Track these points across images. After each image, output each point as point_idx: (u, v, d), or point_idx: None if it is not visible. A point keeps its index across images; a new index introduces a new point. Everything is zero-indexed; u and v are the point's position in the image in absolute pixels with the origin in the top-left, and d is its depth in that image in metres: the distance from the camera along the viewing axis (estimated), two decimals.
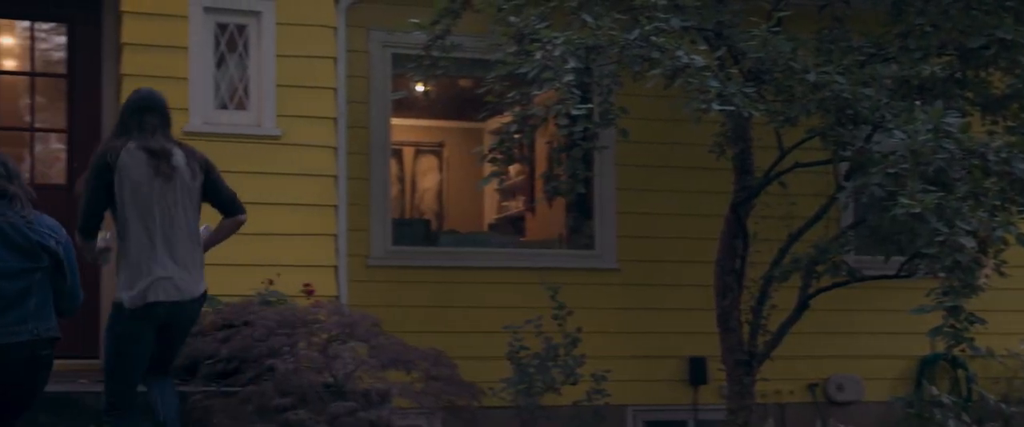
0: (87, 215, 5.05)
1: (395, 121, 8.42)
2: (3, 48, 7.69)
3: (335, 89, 7.41)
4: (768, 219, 7.43)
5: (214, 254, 6.84)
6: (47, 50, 7.84)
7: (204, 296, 5.18)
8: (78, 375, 6.37)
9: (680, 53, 5.66)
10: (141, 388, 5.12)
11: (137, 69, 6.80)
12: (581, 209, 8.69)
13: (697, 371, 8.54)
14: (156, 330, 5.06)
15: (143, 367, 5.08)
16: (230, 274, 6.80)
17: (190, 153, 5.23)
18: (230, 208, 5.42)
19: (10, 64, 7.75)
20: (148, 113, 5.15)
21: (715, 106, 5.62)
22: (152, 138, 5.10)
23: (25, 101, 7.74)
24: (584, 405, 7.34)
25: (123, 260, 5.04)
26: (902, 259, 6.74)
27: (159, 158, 5.06)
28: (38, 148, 7.84)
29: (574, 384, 7.11)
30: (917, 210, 5.19)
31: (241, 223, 5.48)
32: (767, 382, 7.41)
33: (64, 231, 4.67)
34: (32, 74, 7.64)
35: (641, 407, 8.51)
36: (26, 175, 7.02)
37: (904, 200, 5.24)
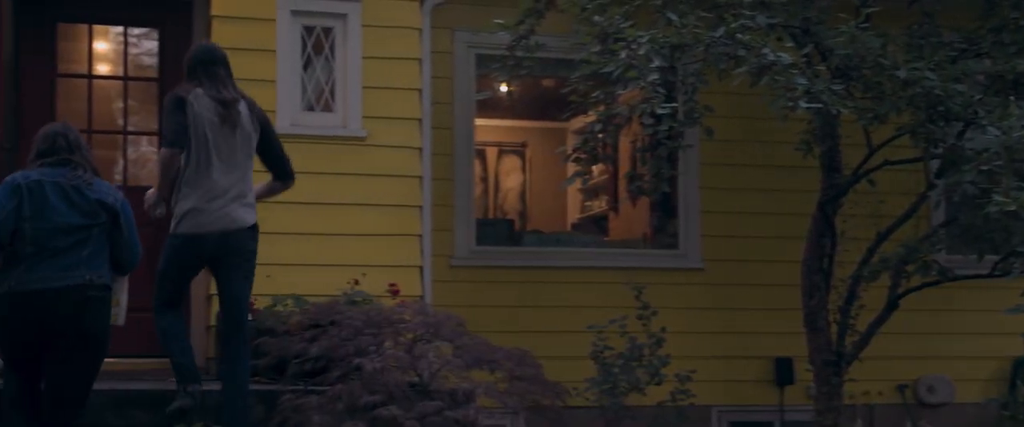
0: (174, 132, 5.40)
1: (478, 121, 8.46)
2: (97, 53, 7.85)
3: (420, 90, 7.45)
4: (856, 217, 7.33)
5: (300, 254, 6.99)
6: (138, 54, 8.00)
7: (255, 227, 5.58)
8: (145, 374, 6.50)
9: (766, 51, 5.60)
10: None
11: None
12: (665, 208, 8.65)
13: (783, 371, 8.45)
14: (204, 259, 5.52)
15: (188, 281, 5.67)
16: (317, 274, 6.91)
17: (251, 105, 5.64)
18: (279, 169, 5.82)
19: (104, 68, 7.91)
20: (215, 64, 5.56)
21: (802, 104, 5.55)
22: (223, 88, 5.52)
23: (118, 104, 7.91)
24: (668, 405, 7.30)
25: (180, 192, 5.45)
26: (996, 258, 6.59)
27: (227, 107, 5.48)
28: (130, 151, 8.01)
29: (659, 384, 7.07)
30: (1012, 208, 5.09)
31: (288, 188, 5.90)
32: (855, 383, 7.29)
33: (121, 194, 5.16)
34: (125, 78, 7.80)
35: (726, 408, 8.44)
36: (119, 177, 7.19)
37: (998, 198, 5.13)
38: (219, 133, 5.46)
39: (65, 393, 4.98)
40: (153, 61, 7.86)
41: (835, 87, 5.80)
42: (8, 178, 5.04)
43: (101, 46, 7.93)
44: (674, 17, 5.90)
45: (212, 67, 5.56)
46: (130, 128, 7.94)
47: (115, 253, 5.08)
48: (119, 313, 5.33)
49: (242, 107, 5.56)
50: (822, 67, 6.20)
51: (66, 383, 4.98)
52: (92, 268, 4.94)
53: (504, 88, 7.79)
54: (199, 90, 5.47)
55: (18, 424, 5.05)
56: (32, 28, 7.37)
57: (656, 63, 5.70)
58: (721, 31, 5.73)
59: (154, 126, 7.71)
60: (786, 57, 5.64)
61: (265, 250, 6.87)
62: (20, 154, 6.98)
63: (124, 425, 5.64)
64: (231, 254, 5.50)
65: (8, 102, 6.74)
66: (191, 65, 5.58)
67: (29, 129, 7.14)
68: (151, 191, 5.56)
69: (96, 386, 5.38)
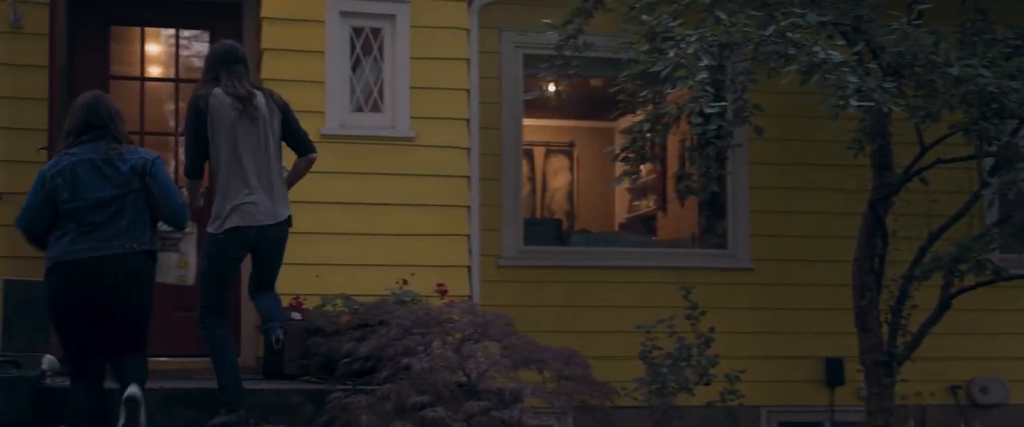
0: (190, 157, 5.69)
1: (526, 121, 8.46)
2: (149, 55, 7.93)
3: (468, 90, 7.47)
4: (908, 216, 7.26)
5: (349, 255, 7.03)
6: (189, 57, 8.07)
7: (289, 220, 5.78)
8: (193, 373, 6.57)
9: (817, 49, 5.56)
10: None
11: (276, 73, 6.96)
12: (713, 208, 8.61)
13: (834, 372, 8.39)
14: (247, 251, 5.71)
15: (231, 281, 5.80)
16: (365, 274, 6.94)
17: (269, 94, 5.84)
18: (302, 147, 6.00)
19: (155, 70, 7.99)
20: (234, 62, 5.76)
21: (853, 102, 5.50)
22: (238, 84, 5.70)
23: (169, 106, 7.98)
24: (717, 406, 7.26)
25: (216, 192, 5.65)
26: None
27: (244, 102, 5.67)
28: (181, 152, 8.07)
29: (708, 384, 7.03)
30: None
31: (313, 161, 6.07)
32: (907, 383, 7.23)
33: (151, 154, 5.31)
34: (176, 80, 7.87)
35: (776, 408, 8.40)
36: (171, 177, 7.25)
37: None
38: (241, 128, 5.65)
39: (123, 340, 5.20)
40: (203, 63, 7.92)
41: (887, 85, 5.74)
42: (41, 169, 5.23)
43: (153, 48, 8.01)
44: (723, 16, 5.87)
45: (233, 65, 5.76)
46: (181, 130, 8.00)
47: (155, 213, 5.23)
48: (188, 274, 5.59)
49: (259, 100, 5.74)
50: (873, 65, 6.14)
51: (121, 335, 5.19)
52: (132, 237, 5.11)
53: (552, 88, 7.78)
54: (218, 89, 5.66)
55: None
56: (86, 31, 7.47)
57: (705, 62, 5.67)
58: (771, 29, 5.70)
59: None
60: (837, 55, 5.59)
61: (314, 250, 6.97)
62: None
63: (172, 424, 5.69)
64: (269, 248, 5.76)
65: (62, 104, 6.83)
66: (209, 64, 5.79)
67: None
68: (184, 192, 5.72)
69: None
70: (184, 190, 5.70)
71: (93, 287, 5.04)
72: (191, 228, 5.64)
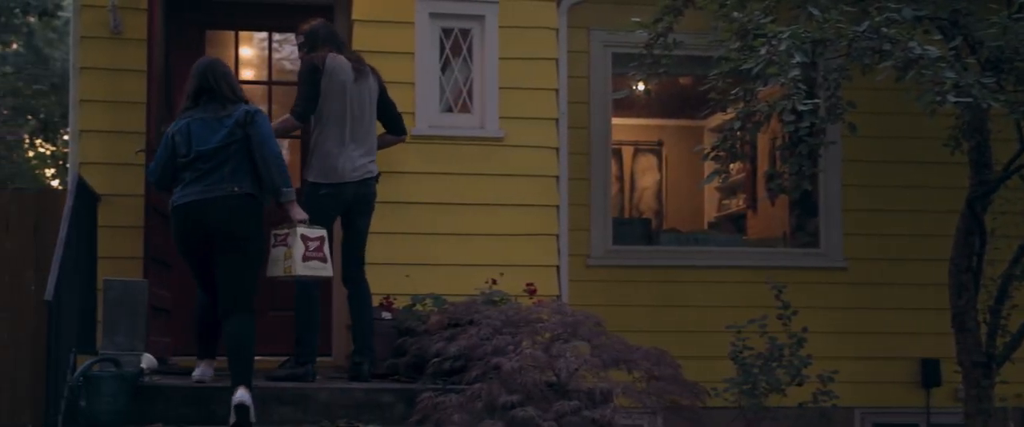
0: (305, 103, 6.31)
1: (614, 120, 8.43)
2: (243, 58, 8.07)
3: (556, 90, 7.47)
4: (1007, 214, 7.12)
5: (439, 254, 7.08)
6: (281, 59, 8.18)
7: (377, 177, 6.49)
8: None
9: (913, 44, 5.46)
10: None
11: None
12: (805, 206, 8.51)
13: (930, 373, 8.24)
14: (344, 207, 6.34)
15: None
16: (455, 274, 6.98)
17: (372, 68, 6.55)
18: (395, 126, 6.74)
19: (249, 73, 8.12)
20: (335, 35, 6.51)
21: (951, 98, 5.40)
22: (346, 50, 6.51)
23: (263, 108, 8.07)
24: (810, 406, 7.18)
25: (319, 147, 6.32)
26: None
27: (360, 64, 6.44)
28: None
29: (800, 385, 6.96)
30: None
31: (402, 142, 6.82)
32: (1006, 385, 7.06)
33: (253, 107, 5.84)
34: (269, 83, 7.99)
35: (870, 409, 8.27)
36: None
37: None
38: (354, 89, 6.34)
39: (229, 284, 5.71)
40: (296, 66, 8.02)
41: (985, 81, 5.63)
42: (166, 131, 5.93)
43: (246, 52, 8.14)
44: (816, 12, 5.80)
45: (337, 38, 6.50)
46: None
47: (254, 156, 5.72)
48: (293, 264, 5.84)
49: (367, 67, 6.48)
50: (972, 60, 6.03)
51: (227, 276, 5.70)
52: (234, 181, 5.68)
53: (640, 87, 7.74)
54: (334, 53, 6.34)
55: (203, 317, 5.99)
56: (182, 35, 7.61)
57: (797, 59, 5.61)
58: (865, 25, 5.61)
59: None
60: (934, 50, 5.49)
61: (404, 250, 7.03)
62: None
63: (267, 421, 5.78)
64: (363, 202, 6.42)
65: (160, 108, 6.98)
66: (315, 36, 6.42)
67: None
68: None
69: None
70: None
71: (203, 223, 5.67)
72: (301, 225, 5.86)
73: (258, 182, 5.75)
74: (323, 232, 5.95)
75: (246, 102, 5.88)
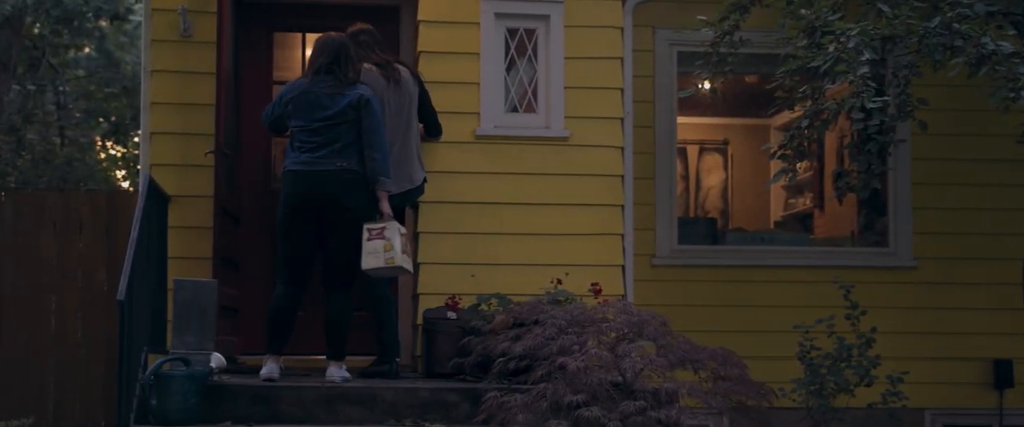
0: None
1: (679, 119, 8.39)
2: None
3: (621, 89, 7.45)
4: None
5: (504, 254, 7.09)
6: None
7: (422, 185, 6.74)
8: (353, 371, 6.65)
9: (986, 40, 5.38)
10: None
11: (432, 75, 7.06)
12: (874, 205, 8.40)
13: (1003, 374, 8.10)
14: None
15: None
16: (520, 273, 6.98)
17: (409, 67, 6.77)
18: (431, 126, 6.90)
19: None
20: (365, 42, 6.64)
21: None
22: (377, 55, 6.64)
23: None
24: (879, 407, 7.09)
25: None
26: None
27: (387, 69, 6.59)
28: None
29: (869, 386, 6.87)
30: None
31: (435, 141, 6.96)
32: None
33: (367, 91, 6.24)
34: None
35: (940, 410, 8.14)
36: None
37: None
38: (387, 95, 6.50)
39: (335, 259, 6.18)
40: None
41: None
42: (284, 88, 6.40)
43: None
44: (886, 8, 5.74)
45: (358, 37, 6.63)
46: None
47: (364, 137, 6.14)
48: (394, 255, 6.08)
49: (401, 70, 6.62)
50: None
51: (333, 251, 6.17)
52: (343, 157, 6.12)
53: (706, 85, 7.70)
54: (364, 64, 6.52)
55: (280, 311, 6.21)
56: (251, 38, 7.70)
57: (866, 56, 5.56)
58: (936, 21, 5.55)
59: None
60: (1007, 46, 5.41)
61: (469, 250, 7.06)
62: (240, 156, 7.32)
63: (334, 420, 5.83)
64: (401, 211, 6.54)
65: (229, 109, 7.07)
66: (351, 44, 6.49)
67: (247, 135, 7.49)
68: None
69: (305, 383, 5.96)
70: None
71: (314, 191, 6.09)
72: (390, 221, 6.16)
73: (363, 163, 6.14)
74: (404, 229, 6.28)
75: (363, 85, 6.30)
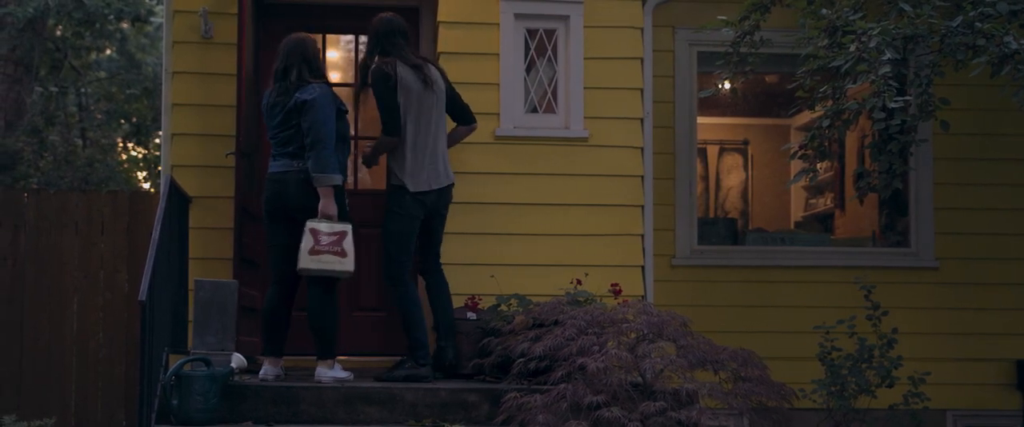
0: (391, 116, 6.42)
1: (699, 119, 8.37)
2: (329, 61, 8.11)
3: (641, 89, 7.43)
4: None
5: (523, 255, 7.10)
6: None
7: (452, 185, 6.64)
8: (373, 372, 6.68)
9: (1008, 39, 5.35)
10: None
11: (452, 76, 7.04)
12: (895, 205, 8.37)
13: None
14: (426, 213, 6.48)
15: (414, 240, 6.48)
16: (539, 274, 6.99)
17: (438, 67, 6.67)
18: (464, 117, 6.80)
19: (335, 76, 8.18)
20: (399, 35, 6.54)
21: None
22: (411, 56, 6.53)
23: (347, 109, 8.14)
24: (901, 408, 7.06)
25: (401, 155, 6.44)
26: None
27: (422, 71, 6.47)
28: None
29: (890, 386, 6.85)
30: None
31: (473, 130, 6.85)
32: None
33: (316, 90, 6.21)
34: (355, 85, 8.05)
35: (962, 412, 8.10)
36: (350, 181, 7.43)
37: None
38: (423, 96, 6.43)
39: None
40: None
41: None
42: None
43: (332, 55, 8.21)
44: (907, 7, 5.71)
45: (396, 37, 6.53)
46: (360, 134, 8.18)
47: (304, 137, 6.16)
48: (347, 262, 6.08)
49: (431, 69, 6.54)
50: None
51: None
52: (298, 159, 6.18)
53: (726, 85, 7.68)
54: (398, 61, 6.42)
55: (273, 312, 6.32)
56: (271, 40, 7.71)
57: (888, 56, 5.53)
58: (958, 20, 5.52)
59: (379, 132, 7.92)
60: None
61: (488, 250, 7.06)
62: (259, 157, 7.34)
63: (354, 420, 5.84)
64: (442, 208, 6.60)
65: (250, 111, 7.09)
66: (379, 38, 6.53)
67: (267, 135, 7.49)
68: (366, 148, 6.70)
69: (326, 384, 6.06)
70: (366, 147, 6.61)
71: (280, 195, 6.23)
72: (323, 220, 6.16)
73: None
74: (346, 227, 6.16)
75: (324, 82, 6.32)
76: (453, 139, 6.82)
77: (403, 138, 6.46)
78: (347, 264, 6.12)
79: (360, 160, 7.04)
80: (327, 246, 6.07)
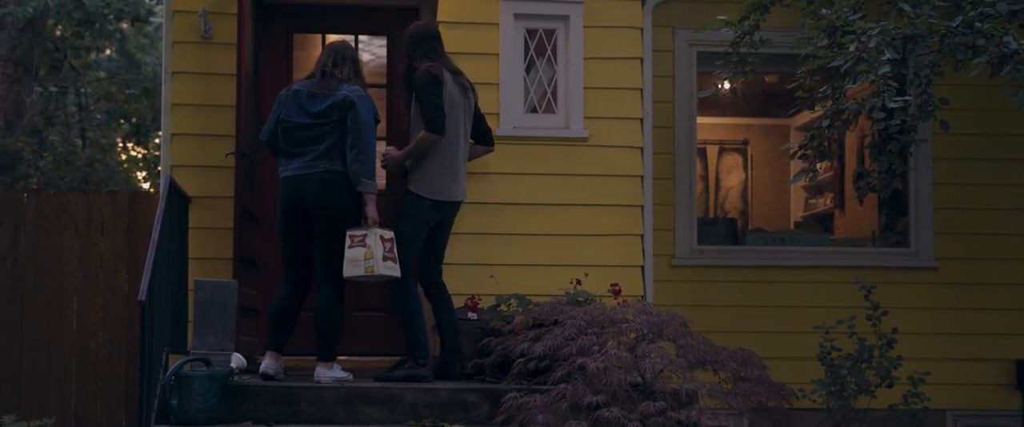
0: (437, 113, 6.32)
1: (699, 119, 8.37)
2: None
3: (641, 89, 7.44)
4: None
5: (523, 255, 7.10)
6: (367, 62, 8.24)
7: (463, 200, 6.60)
8: (373, 372, 6.69)
9: (1008, 39, 5.35)
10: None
11: None
12: (895, 205, 8.37)
13: None
14: (437, 221, 6.46)
15: (421, 245, 6.45)
16: (539, 274, 6.99)
17: (470, 82, 6.58)
18: (485, 137, 6.81)
19: None
20: (438, 41, 6.55)
21: None
22: (449, 61, 6.50)
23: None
24: (900, 408, 7.06)
25: (430, 160, 6.37)
26: None
27: (461, 77, 6.49)
28: None
29: (890, 386, 6.85)
30: None
31: (490, 152, 6.87)
32: None
33: (359, 91, 6.17)
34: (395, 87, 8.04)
35: (962, 412, 8.10)
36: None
37: None
38: (459, 104, 6.43)
39: (320, 258, 6.18)
40: (381, 68, 8.09)
41: None
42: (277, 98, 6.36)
43: None
44: (907, 7, 5.71)
45: (436, 43, 6.52)
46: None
47: (349, 140, 6.08)
48: (374, 264, 6.04)
49: (467, 79, 6.55)
50: None
51: (318, 250, 6.18)
52: (327, 159, 6.11)
53: (726, 85, 7.68)
54: (442, 66, 6.38)
55: (281, 310, 6.30)
56: (270, 40, 7.73)
57: (887, 56, 5.53)
58: (958, 20, 5.52)
59: (382, 132, 7.93)
60: None
61: (489, 250, 7.06)
62: (260, 158, 7.34)
63: (354, 420, 5.84)
64: (451, 220, 6.60)
65: (250, 112, 7.09)
66: (422, 42, 6.49)
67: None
68: (392, 150, 6.49)
69: (326, 384, 6.01)
70: (392, 150, 6.52)
71: (298, 196, 6.13)
72: (376, 226, 6.13)
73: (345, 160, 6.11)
74: (393, 234, 6.21)
75: (362, 86, 6.25)
76: (470, 156, 6.77)
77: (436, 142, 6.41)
78: (398, 269, 6.22)
79: (381, 163, 6.79)
80: (390, 252, 6.14)
